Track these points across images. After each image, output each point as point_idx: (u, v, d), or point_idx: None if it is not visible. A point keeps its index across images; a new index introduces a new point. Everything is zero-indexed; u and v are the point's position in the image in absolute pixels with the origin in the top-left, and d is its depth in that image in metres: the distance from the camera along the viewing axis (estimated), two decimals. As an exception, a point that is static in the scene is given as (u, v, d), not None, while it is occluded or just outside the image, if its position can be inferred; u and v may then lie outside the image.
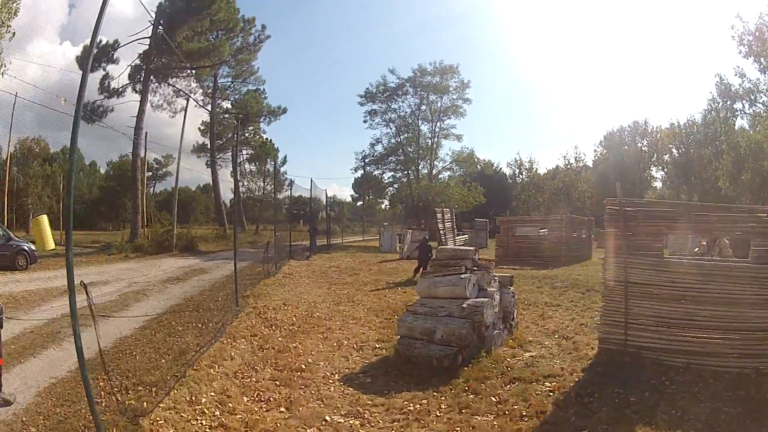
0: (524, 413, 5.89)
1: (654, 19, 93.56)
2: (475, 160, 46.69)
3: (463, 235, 21.16)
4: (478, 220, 42.92)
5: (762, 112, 35.79)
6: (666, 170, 63.80)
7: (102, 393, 5.71)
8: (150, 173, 59.42)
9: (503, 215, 44.40)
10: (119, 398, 5.43)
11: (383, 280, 17.01)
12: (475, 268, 8.20)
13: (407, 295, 13.74)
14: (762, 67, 33.50)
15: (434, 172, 46.62)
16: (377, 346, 8.74)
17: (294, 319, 10.62)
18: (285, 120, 54.04)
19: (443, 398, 6.43)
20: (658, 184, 67.26)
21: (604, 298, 8.01)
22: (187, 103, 36.26)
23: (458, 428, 5.59)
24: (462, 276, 7.75)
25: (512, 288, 9.56)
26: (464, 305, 7.55)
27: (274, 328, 9.77)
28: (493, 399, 6.32)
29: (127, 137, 31.33)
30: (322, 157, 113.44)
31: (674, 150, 60.47)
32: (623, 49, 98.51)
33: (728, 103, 38.16)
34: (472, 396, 6.45)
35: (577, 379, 6.96)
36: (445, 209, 18.61)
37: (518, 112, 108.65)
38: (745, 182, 34.89)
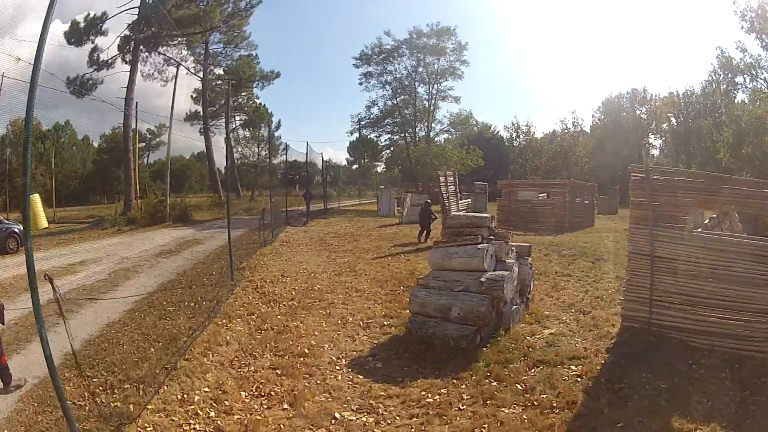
0: (554, 404, 5.36)
1: None
2: (474, 121, 45.44)
3: (465, 199, 20.35)
4: (477, 184, 42.07)
5: (764, 87, 36.24)
6: (664, 139, 63.23)
7: (85, 394, 5.07)
8: (143, 144, 58.54)
9: (504, 179, 44.01)
10: (104, 399, 4.80)
11: (384, 247, 16.33)
12: (492, 237, 7.50)
13: (411, 264, 13.15)
14: (765, 44, 33.75)
15: (431, 134, 45.57)
16: (385, 323, 8.09)
17: (293, 293, 9.98)
18: (279, 85, 52.91)
19: (464, 386, 5.84)
20: (656, 152, 66.61)
21: (629, 273, 7.49)
22: (177, 70, 35.62)
23: (485, 424, 5.02)
24: (479, 246, 7.05)
25: (530, 259, 8.92)
26: (482, 279, 6.88)
27: (272, 304, 9.13)
28: (519, 387, 5.77)
29: (118, 109, 30.57)
30: (317, 121, 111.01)
31: (672, 119, 59.76)
32: (623, 17, 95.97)
33: (729, 76, 38.80)
34: (495, 383, 5.86)
35: (603, 362, 6.45)
36: (447, 172, 17.69)
37: (515, 76, 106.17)
38: (745, 155, 34.86)
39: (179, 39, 35.87)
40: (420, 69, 43.64)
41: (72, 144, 57.12)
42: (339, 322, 8.23)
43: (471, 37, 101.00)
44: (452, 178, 17.77)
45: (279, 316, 8.39)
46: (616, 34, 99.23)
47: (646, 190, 7.41)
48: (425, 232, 17.48)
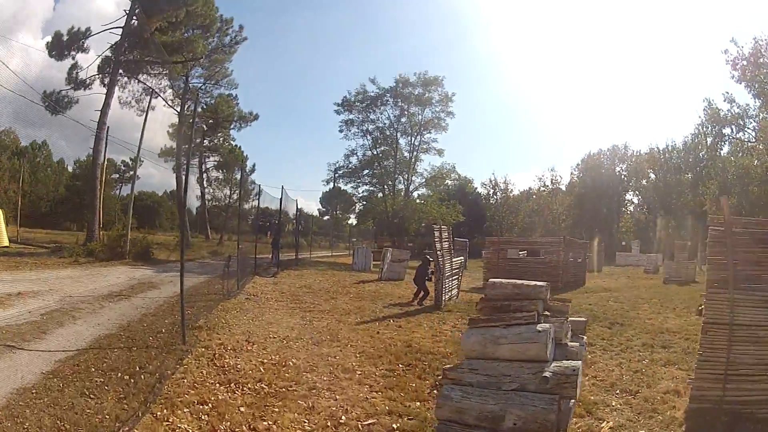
0: None
1: (636, 46, 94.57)
2: (456, 176, 43.97)
3: (458, 257, 18.38)
4: (458, 240, 40.50)
5: (751, 137, 36.77)
6: (640, 195, 63.38)
7: None
8: (117, 175, 60.31)
9: (480, 236, 42.51)
10: None
11: (368, 308, 14.11)
12: (547, 313, 5.36)
13: (405, 332, 11.01)
14: (756, 92, 34.00)
15: (411, 188, 43.84)
16: (395, 426, 5.72)
17: (262, 369, 7.57)
18: (256, 128, 51.94)
19: None
20: (632, 209, 66.93)
21: (703, 347, 6.44)
22: (150, 97, 33.68)
23: None
24: (539, 328, 4.86)
25: (585, 337, 6.85)
26: (546, 374, 4.70)
27: (233, 387, 6.68)
28: None
29: (89, 129, 28.50)
30: (292, 169, 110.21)
31: (652, 174, 60.00)
32: (606, 74, 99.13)
33: (717, 128, 38.89)
34: None
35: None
36: (442, 226, 15.73)
37: (495, 132, 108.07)
38: (732, 206, 34.23)
39: (160, 68, 34.33)
40: (403, 119, 42.27)
41: (47, 165, 56.56)
42: (327, 422, 5.77)
43: (453, 89, 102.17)
44: (446, 233, 15.75)
45: (242, 409, 5.94)
46: (599, 91, 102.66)
47: (727, 248, 6.41)
48: (422, 293, 15.77)
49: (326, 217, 75.40)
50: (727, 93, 37.32)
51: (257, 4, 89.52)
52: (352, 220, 75.57)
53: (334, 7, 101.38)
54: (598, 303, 16.94)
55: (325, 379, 7.32)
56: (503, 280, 5.49)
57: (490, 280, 5.54)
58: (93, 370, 6.80)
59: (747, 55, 33.75)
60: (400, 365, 8.15)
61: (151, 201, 66.90)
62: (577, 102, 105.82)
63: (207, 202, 51.31)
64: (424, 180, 44.03)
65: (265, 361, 8.02)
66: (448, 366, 5.22)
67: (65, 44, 29.80)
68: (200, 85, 42.35)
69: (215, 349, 8.43)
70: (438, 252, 14.86)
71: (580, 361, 5.16)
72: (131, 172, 55.71)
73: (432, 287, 15.40)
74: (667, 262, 27.34)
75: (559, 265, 22.41)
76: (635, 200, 66.23)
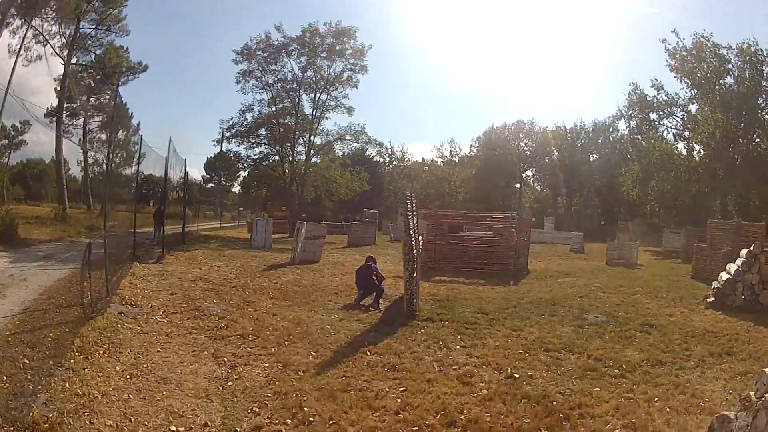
0: None
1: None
2: (366, 138, 38.82)
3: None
4: (367, 211, 36.27)
5: (679, 125, 38.22)
6: (541, 172, 62.94)
7: None
8: (6, 140, 52.91)
9: (370, 208, 38.37)
10: None
11: (310, 323, 9.38)
12: None
13: (415, 384, 6.51)
14: (695, 83, 35.02)
15: (312, 152, 38.10)
16: None
17: None
18: (143, 83, 45.92)
19: None
20: (538, 186, 66.65)
21: None
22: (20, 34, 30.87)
23: None
24: None
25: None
26: None
27: None
28: None
29: None
30: (180, 129, 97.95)
31: (556, 152, 59.51)
32: (518, 53, 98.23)
33: (646, 112, 38.93)
34: None
35: None
36: (412, 194, 11.25)
37: (393, 98, 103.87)
38: (653, 188, 35.76)
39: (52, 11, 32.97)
40: (309, 72, 36.46)
41: None
42: None
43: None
44: (414, 204, 11.31)
45: None
46: (511, 69, 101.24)
47: None
48: (373, 294, 11.83)
49: (210, 185, 68.06)
50: (656, 79, 38.14)
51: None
52: (237, 188, 69.22)
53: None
54: (586, 295, 13.80)
55: None
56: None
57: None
58: None
59: (690, 47, 34.66)
60: None
61: (38, 169, 60.07)
62: (487, 78, 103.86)
63: (90, 169, 46.02)
64: (329, 141, 38.44)
65: None
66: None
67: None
68: (91, 29, 39.75)
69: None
70: (411, 232, 10.37)
71: None
72: (20, 137, 53.95)
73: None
74: (609, 243, 25.08)
75: (512, 245, 18.86)
76: (536, 176, 65.68)
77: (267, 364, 7.02)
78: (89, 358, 6.32)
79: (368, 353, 7.63)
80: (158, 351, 7.18)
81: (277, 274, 15.38)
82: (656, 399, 6.21)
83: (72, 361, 6.08)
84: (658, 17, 74.19)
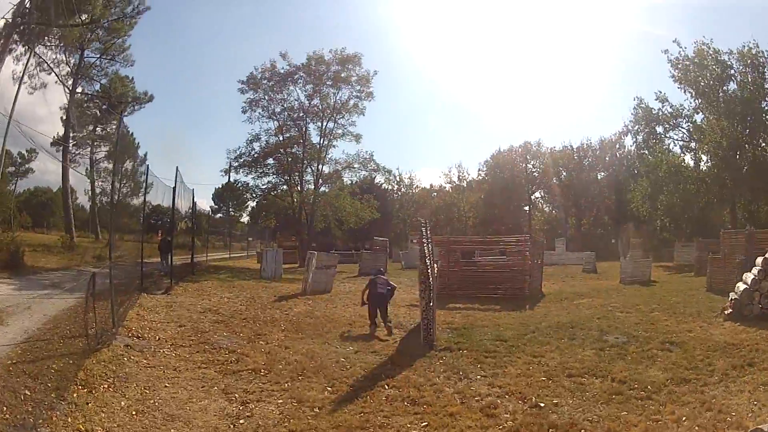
0: None
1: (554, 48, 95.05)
2: (374, 165, 38.70)
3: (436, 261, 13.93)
4: (377, 239, 35.82)
5: (685, 136, 37.90)
6: (550, 193, 62.57)
7: None
8: (12, 167, 52.84)
9: (381, 236, 37.95)
10: None
11: (324, 355, 9.10)
12: None
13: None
14: (700, 92, 34.70)
15: (320, 180, 37.94)
16: None
17: None
18: (149, 114, 46.53)
19: None
20: (548, 207, 66.31)
21: None
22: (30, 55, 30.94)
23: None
24: None
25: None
26: None
27: None
28: None
29: None
30: (187, 160, 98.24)
31: (564, 172, 59.29)
32: (520, 74, 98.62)
33: (651, 126, 38.53)
34: None
35: None
36: (426, 222, 10.98)
37: (400, 126, 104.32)
38: (663, 203, 35.26)
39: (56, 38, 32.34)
40: (315, 101, 36.49)
41: None
42: None
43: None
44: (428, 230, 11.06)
45: None
46: (513, 90, 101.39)
47: None
48: (381, 311, 11.68)
49: (218, 215, 68.12)
50: (660, 92, 37.76)
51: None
52: (245, 218, 69.27)
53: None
54: (604, 316, 13.47)
55: None
56: None
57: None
58: None
59: (692, 56, 34.52)
60: None
61: (45, 197, 59.21)
62: (491, 99, 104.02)
63: (98, 198, 46.20)
64: (337, 169, 38.34)
65: None
66: None
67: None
68: (95, 59, 39.34)
69: None
70: (427, 259, 10.08)
71: None
72: (26, 165, 53.48)
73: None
74: (623, 261, 24.53)
75: (526, 268, 18.51)
76: (545, 198, 65.34)
77: (280, 401, 6.71)
78: (93, 392, 6.07)
79: (386, 387, 7.32)
80: (166, 386, 6.89)
81: (288, 306, 15.04)
82: (684, 419, 6.07)
83: (75, 395, 5.85)
84: (657, 34, 74.44)
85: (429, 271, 10.10)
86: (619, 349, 9.53)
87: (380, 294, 11.69)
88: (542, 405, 6.62)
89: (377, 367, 8.44)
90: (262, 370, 7.93)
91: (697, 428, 5.78)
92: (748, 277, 12.24)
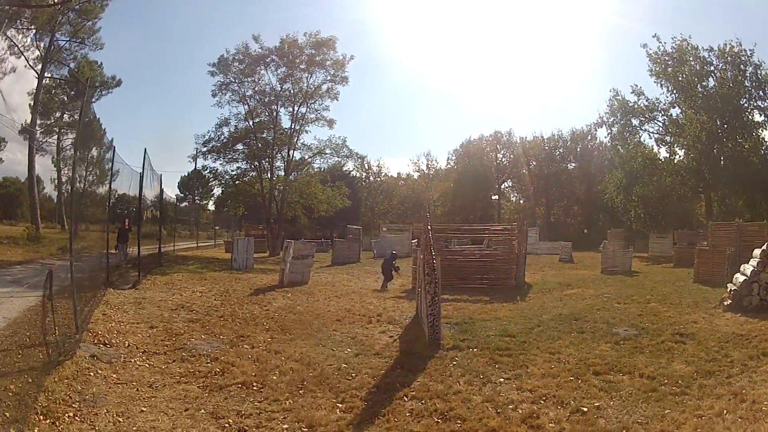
0: None
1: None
2: (347, 151, 37.46)
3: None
4: (352, 227, 34.70)
5: (660, 129, 38.50)
6: (520, 183, 62.38)
7: None
8: None
9: (350, 224, 37.04)
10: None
11: (321, 359, 8.09)
12: None
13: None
14: (677, 86, 35.43)
15: (290, 166, 36.52)
16: None
17: None
18: (116, 99, 44.33)
19: None
20: (515, 197, 66.20)
21: None
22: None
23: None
24: None
25: None
26: None
27: None
28: None
29: None
30: (154, 147, 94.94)
31: (534, 162, 59.18)
32: (495, 64, 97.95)
33: (628, 118, 39.06)
34: None
35: None
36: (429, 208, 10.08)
37: (368, 114, 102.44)
38: (637, 193, 35.95)
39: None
40: (287, 85, 35.05)
41: None
42: None
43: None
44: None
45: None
46: (487, 80, 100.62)
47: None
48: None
49: (184, 204, 66.01)
50: (636, 85, 38.90)
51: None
52: (211, 206, 67.24)
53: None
54: (603, 307, 13.05)
55: None
56: None
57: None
58: None
59: (671, 51, 35.18)
60: None
61: (14, 188, 57.14)
62: (464, 89, 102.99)
63: (64, 187, 43.32)
64: (308, 155, 37.09)
65: None
66: None
67: None
68: (65, 42, 38.07)
69: None
70: (432, 249, 9.16)
71: None
72: None
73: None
74: (604, 251, 24.36)
75: (513, 258, 17.81)
76: (515, 187, 65.11)
77: (285, 426, 5.55)
78: (57, 423, 4.91)
79: (405, 398, 6.34)
80: (142, 410, 5.72)
81: (266, 300, 13.91)
82: (725, 411, 5.90)
83: (36, 429, 4.69)
84: (631, 26, 74.97)
85: (434, 261, 9.18)
86: (634, 342, 9.19)
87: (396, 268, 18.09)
88: (585, 409, 6.00)
89: (386, 373, 7.45)
90: (254, 384, 6.80)
91: (739, 420, 5.61)
92: (747, 268, 12.30)
